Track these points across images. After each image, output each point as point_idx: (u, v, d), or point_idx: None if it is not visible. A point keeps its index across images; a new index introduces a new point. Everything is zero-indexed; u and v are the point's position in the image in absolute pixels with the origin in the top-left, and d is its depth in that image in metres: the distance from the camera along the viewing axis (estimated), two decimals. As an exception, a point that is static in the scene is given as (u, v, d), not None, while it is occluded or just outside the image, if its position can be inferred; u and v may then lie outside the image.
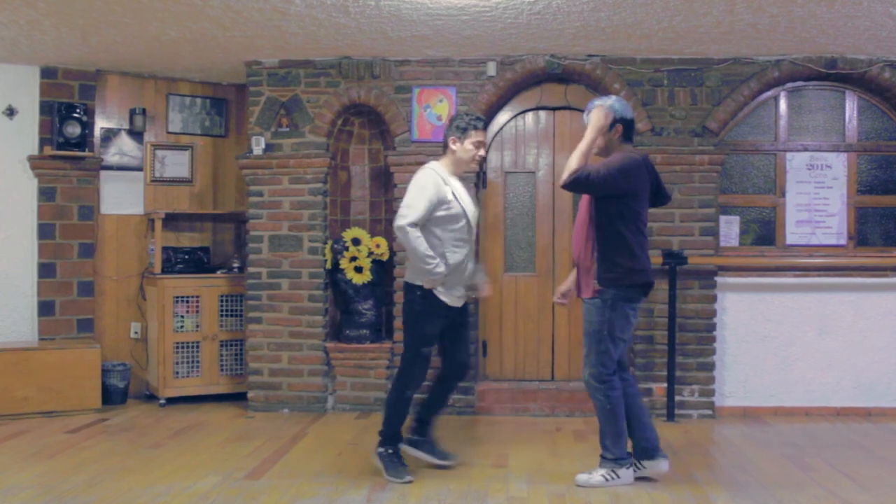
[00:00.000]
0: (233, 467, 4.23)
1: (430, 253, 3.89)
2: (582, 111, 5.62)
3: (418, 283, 3.98)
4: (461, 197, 4.04)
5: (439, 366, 4.29)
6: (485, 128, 4.12)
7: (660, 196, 4.07)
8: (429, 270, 3.89)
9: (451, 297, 4.04)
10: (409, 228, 3.87)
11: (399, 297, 5.52)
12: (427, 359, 4.08)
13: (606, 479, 3.93)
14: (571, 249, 4.11)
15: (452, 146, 4.09)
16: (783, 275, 5.56)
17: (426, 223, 3.95)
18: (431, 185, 3.96)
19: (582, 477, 3.96)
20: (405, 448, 4.17)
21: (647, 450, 4.01)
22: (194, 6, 4.47)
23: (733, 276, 5.54)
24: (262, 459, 4.40)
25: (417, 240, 3.88)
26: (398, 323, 5.58)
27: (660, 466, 4.02)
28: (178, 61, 5.71)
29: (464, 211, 4.02)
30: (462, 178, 4.17)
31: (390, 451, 4.08)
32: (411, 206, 3.91)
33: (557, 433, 5.02)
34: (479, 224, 4.17)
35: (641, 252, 3.90)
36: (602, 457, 3.98)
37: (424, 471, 4.18)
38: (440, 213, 3.96)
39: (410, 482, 3.95)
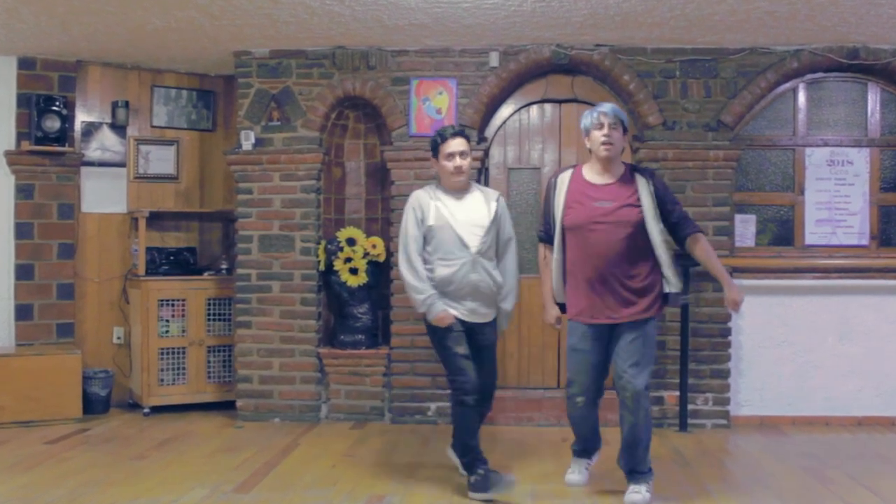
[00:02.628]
0: (221, 480, 4.23)
1: (417, 284, 4.07)
2: (589, 104, 5.68)
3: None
4: (451, 211, 4.12)
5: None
6: (454, 136, 4.15)
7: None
8: (415, 300, 4.10)
9: (459, 311, 4.09)
10: (402, 265, 4.13)
11: (396, 300, 5.55)
12: (464, 357, 4.04)
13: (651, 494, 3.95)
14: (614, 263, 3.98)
15: (434, 167, 4.28)
16: (802, 277, 5.57)
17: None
18: (408, 211, 4.17)
19: (636, 497, 3.88)
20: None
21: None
22: (180, -7, 4.49)
23: (749, 278, 5.55)
24: (251, 472, 4.40)
25: (406, 273, 4.11)
26: (395, 328, 5.60)
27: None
28: (164, 52, 5.72)
29: (449, 224, 4.10)
30: (467, 191, 4.22)
31: (480, 470, 4.03)
32: (401, 242, 4.18)
33: (563, 444, 5.02)
34: (500, 235, 4.27)
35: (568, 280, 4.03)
36: (649, 472, 3.97)
37: (424, 483, 4.20)
38: (426, 230, 4.13)
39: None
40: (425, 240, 4.13)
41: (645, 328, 3.90)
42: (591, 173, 4.02)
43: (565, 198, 4.00)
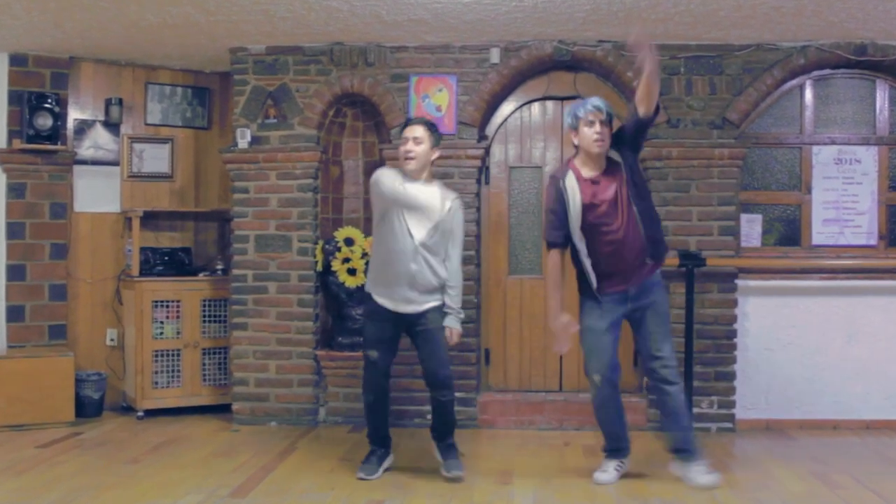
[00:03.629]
0: (216, 484, 4.24)
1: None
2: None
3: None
4: (406, 196, 4.21)
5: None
6: (414, 123, 4.33)
7: None
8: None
9: (391, 302, 4.28)
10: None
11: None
12: (372, 362, 4.32)
13: None
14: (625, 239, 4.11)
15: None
16: (809, 277, 5.57)
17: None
18: (384, 178, 4.25)
19: (713, 478, 4.17)
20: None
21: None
22: (175, -12, 4.50)
23: (755, 278, 5.55)
24: (247, 476, 4.41)
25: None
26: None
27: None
28: (158, 48, 5.72)
29: (401, 208, 4.22)
30: (426, 185, 4.32)
31: (369, 450, 4.46)
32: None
33: (566, 448, 5.03)
34: (449, 238, 4.34)
35: None
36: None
37: (425, 487, 4.20)
38: (384, 203, 4.27)
39: (360, 479, 4.31)
40: (380, 217, 4.27)
41: (662, 303, 4.20)
42: (585, 169, 4.15)
43: (581, 199, 4.08)
